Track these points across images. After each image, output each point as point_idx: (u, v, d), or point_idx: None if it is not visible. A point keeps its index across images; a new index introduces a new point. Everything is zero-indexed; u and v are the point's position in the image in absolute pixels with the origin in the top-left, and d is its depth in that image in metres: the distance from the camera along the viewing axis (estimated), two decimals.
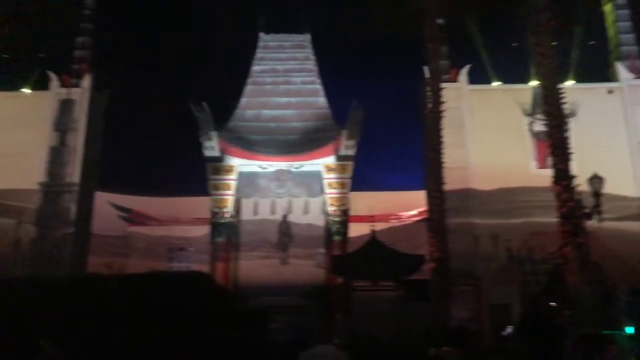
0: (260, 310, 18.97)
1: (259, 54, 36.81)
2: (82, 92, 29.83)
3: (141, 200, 38.58)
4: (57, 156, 28.54)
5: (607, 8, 31.13)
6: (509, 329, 19.12)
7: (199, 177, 34.56)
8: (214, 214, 32.34)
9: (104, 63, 32.29)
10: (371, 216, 32.28)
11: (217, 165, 32.59)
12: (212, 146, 32.08)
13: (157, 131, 48.63)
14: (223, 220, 32.22)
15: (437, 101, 25.56)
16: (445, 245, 23.72)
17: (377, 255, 25.13)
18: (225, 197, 32.58)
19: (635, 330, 14.11)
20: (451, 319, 21.90)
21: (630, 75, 29.13)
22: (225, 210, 32.35)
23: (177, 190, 39.57)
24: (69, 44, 31.01)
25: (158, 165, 50.14)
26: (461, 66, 29.66)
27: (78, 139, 29.06)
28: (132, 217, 37.45)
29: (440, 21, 27.44)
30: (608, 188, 19.68)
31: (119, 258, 34.88)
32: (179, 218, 37.64)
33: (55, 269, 25.71)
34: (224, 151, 32.63)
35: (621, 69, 29.29)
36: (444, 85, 26.68)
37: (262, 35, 37.43)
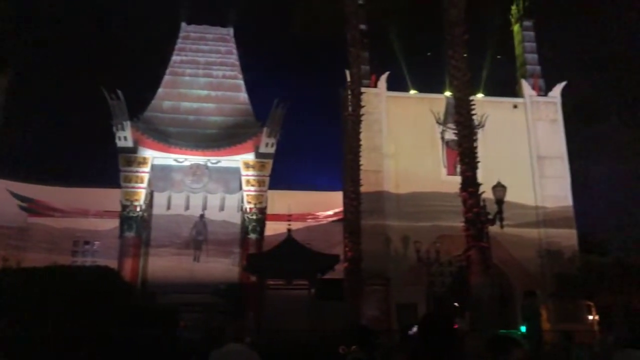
0: (168, 308, 18.42)
1: (180, 44, 35.72)
2: None
3: (44, 190, 36.03)
4: None
5: (516, 28, 33.37)
6: (415, 328, 20.00)
7: (109, 167, 33.01)
8: (125, 207, 30.97)
9: (6, 39, 29.82)
10: (288, 215, 32.39)
11: (130, 157, 31.26)
12: (125, 136, 30.73)
13: (66, 117, 45.77)
14: (134, 214, 30.94)
15: (357, 105, 26.17)
16: (359, 245, 24.32)
17: (292, 254, 25.26)
18: (137, 190, 31.32)
19: (527, 329, 15.21)
20: (362, 317, 22.44)
21: (533, 93, 31.38)
22: (136, 203, 31.10)
23: (85, 180, 37.38)
24: None
25: (65, 153, 47.19)
26: (381, 72, 30.51)
27: None
28: (33, 207, 34.88)
29: (363, 27, 28.08)
30: (509, 196, 21.05)
31: (16, 250, 32.38)
32: (86, 210, 35.57)
33: None
34: (137, 142, 31.36)
35: (525, 86, 31.48)
36: (364, 89, 27.36)
37: (183, 25, 36.35)
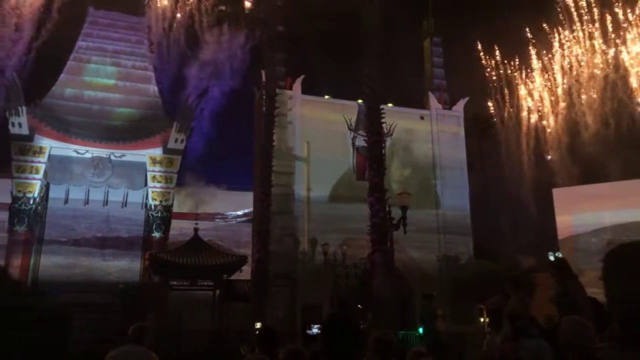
0: (60, 307, 17.30)
1: (87, 29, 33.62)
2: None
3: None
4: None
5: (426, 43, 35.13)
6: (315, 329, 20.28)
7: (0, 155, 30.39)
8: (16, 199, 28.62)
9: None
10: (196, 214, 31.65)
11: (25, 145, 28.99)
12: (20, 122, 28.47)
13: None
14: (26, 207, 28.68)
15: (271, 106, 26.19)
16: (267, 246, 24.31)
17: (198, 254, 24.71)
18: (32, 181, 29.07)
19: (424, 330, 15.97)
20: (267, 318, 22.41)
21: (438, 105, 33.18)
22: (29, 195, 28.85)
23: None
24: None
25: None
26: (297, 76, 30.77)
27: None
28: None
29: (280, 28, 28.18)
30: (414, 203, 22.02)
31: None
32: None
33: None
34: (34, 130, 29.15)
35: (432, 98, 33.21)
36: (278, 91, 27.44)
37: (91, 10, 34.21)
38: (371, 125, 21.60)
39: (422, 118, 32.86)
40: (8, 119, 28.30)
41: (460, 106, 33.72)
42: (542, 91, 37.38)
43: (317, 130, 29.77)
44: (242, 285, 25.58)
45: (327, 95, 31.83)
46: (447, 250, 30.12)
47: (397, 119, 28.70)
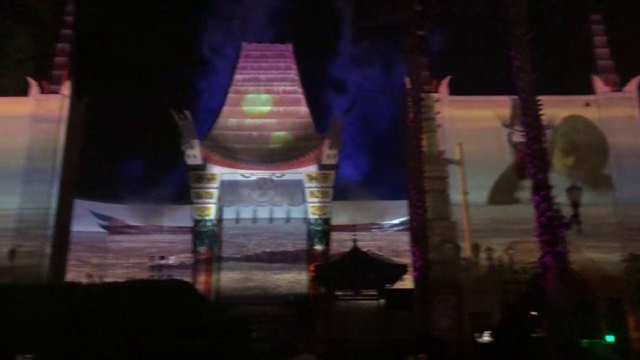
0: (240, 319, 18.85)
1: (242, 63, 36.83)
2: (62, 99, 29.42)
3: (121, 208, 38.06)
4: (36, 165, 28.02)
5: (585, 23, 31.83)
6: (485, 336, 19.27)
7: (180, 185, 34.38)
8: (196, 222, 32.13)
9: (84, 70, 31.90)
10: (353, 225, 32.37)
11: (200, 174, 32.44)
12: (194, 154, 31.96)
13: (138, 138, 48.19)
14: (205, 229, 32.03)
15: (418, 111, 25.86)
16: (426, 254, 23.89)
17: (359, 265, 25.11)
18: (208, 205, 32.41)
19: (615, 338, 14.29)
20: (432, 327, 21.96)
21: (606, 88, 29.79)
22: (207, 218, 32.18)
23: (158, 198, 39.10)
24: (49, 50, 30.60)
25: (138, 173, 49.65)
26: (442, 77, 30.03)
27: (58, 147, 28.58)
28: (112, 225, 36.89)
29: (421, 32, 27.81)
30: (584, 198, 19.97)
31: (98, 267, 34.34)
32: (160, 226, 37.18)
33: (33, 278, 25.14)
34: (206, 159, 32.51)
35: (597, 82, 29.94)
36: (424, 95, 27.00)
37: (244, 45, 37.48)
38: (528, 118, 20.18)
39: (587, 104, 29.75)
40: (184, 152, 31.91)
41: (633, 86, 29.90)
42: None
43: (469, 130, 28.67)
44: (405, 294, 25.37)
45: (475, 93, 30.50)
46: (634, 248, 26.58)
47: (557, 108, 26.45)
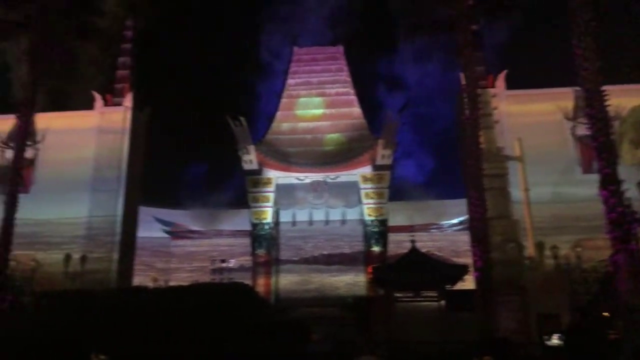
0: (300, 322, 18.98)
1: (293, 67, 37.24)
2: (124, 111, 30.71)
3: (182, 214, 39.35)
4: (102, 175, 29.38)
5: None
6: (554, 339, 18.45)
7: (238, 189, 35.12)
8: (254, 225, 32.72)
9: (144, 82, 33.22)
10: (410, 226, 31.97)
11: (256, 178, 33.03)
12: (250, 159, 32.57)
13: (197, 145, 49.70)
14: (263, 232, 32.56)
15: (474, 107, 25.15)
16: (488, 254, 23.20)
17: (418, 266, 24.75)
18: (265, 209, 32.93)
19: None
20: (496, 329, 21.30)
21: None
22: (264, 222, 32.70)
23: (217, 202, 40.18)
24: (111, 64, 32.08)
25: (198, 179, 51.21)
26: (498, 72, 29.18)
27: (122, 157, 29.84)
28: (174, 230, 38.20)
29: (475, 27, 27.11)
30: None
31: (163, 271, 35.65)
32: (220, 230, 38.17)
33: (102, 283, 26.38)
34: (261, 164, 33.06)
35: None
36: (480, 91, 26.26)
37: (295, 49, 37.88)
38: (593, 110, 19.19)
39: None
40: (241, 157, 32.58)
41: None
42: None
43: (528, 125, 27.70)
44: (466, 295, 24.76)
45: (535, 86, 29.41)
46: None
47: (624, 98, 25.02)
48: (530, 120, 27.79)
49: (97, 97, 30.97)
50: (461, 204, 30.02)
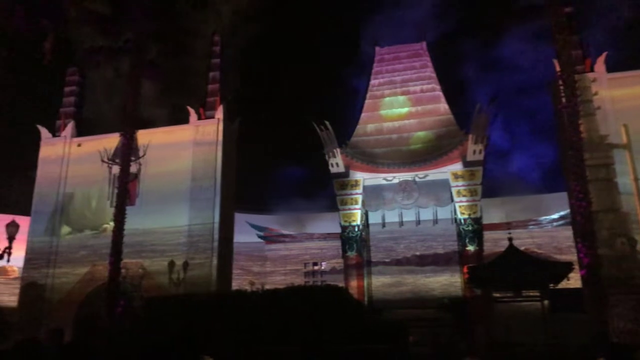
0: (398, 324, 18.75)
1: (376, 67, 37.04)
2: (216, 123, 32.11)
3: (274, 219, 40.53)
4: (199, 184, 30.96)
5: None
6: None
7: (327, 192, 35.53)
8: (344, 228, 32.88)
9: (233, 94, 34.59)
10: (507, 223, 30.64)
11: (343, 181, 33.19)
12: (337, 162, 32.81)
13: (284, 150, 50.99)
14: (353, 234, 32.64)
15: (572, 94, 23.63)
16: (595, 250, 21.66)
17: (518, 264, 23.62)
18: (353, 211, 33.00)
19: None
20: (610, 331, 19.82)
21: None
22: (354, 224, 32.77)
23: (307, 206, 40.95)
24: (202, 79, 33.75)
25: (287, 183, 52.51)
26: (597, 55, 27.22)
27: (216, 167, 31.25)
28: (267, 234, 39.40)
29: (569, 9, 25.53)
30: None
31: (259, 275, 36.91)
32: (311, 234, 38.83)
33: (204, 288, 27.76)
34: (348, 166, 33.17)
35: None
36: (577, 77, 24.65)
37: (377, 49, 37.68)
38: None
39: None
40: (327, 161, 32.93)
41: None
42: None
43: (634, 109, 25.61)
44: (573, 294, 23.28)
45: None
46: None
47: None
48: (636, 104, 25.68)
49: (192, 111, 32.66)
50: (561, 197, 28.33)
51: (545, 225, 33.03)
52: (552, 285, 23.55)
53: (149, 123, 31.95)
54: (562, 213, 31.11)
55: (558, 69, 24.97)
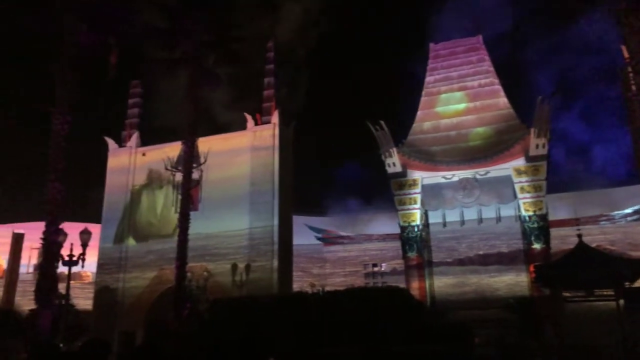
0: (462, 324, 18.35)
1: (431, 64, 36.41)
2: (273, 128, 32.58)
3: (331, 220, 40.66)
4: (258, 188, 31.54)
5: None
6: None
7: (385, 193, 35.22)
8: (403, 228, 32.47)
9: (288, 98, 35.04)
10: (576, 219, 29.27)
11: (400, 181, 32.80)
12: (393, 162, 32.46)
13: (341, 153, 51.10)
14: (412, 235, 32.18)
15: None
16: None
17: (589, 262, 22.54)
18: (412, 211, 32.53)
19: None
20: None
21: None
22: (413, 224, 32.31)
23: (365, 207, 40.79)
24: (258, 85, 34.39)
25: (344, 184, 52.57)
26: None
27: (274, 171, 31.72)
28: (325, 236, 39.57)
29: None
30: None
31: (319, 277, 37.12)
32: (370, 235, 38.64)
33: (265, 290, 28.21)
34: (405, 166, 32.74)
35: None
36: None
37: (432, 45, 37.05)
38: None
39: None
40: (384, 161, 32.65)
41: None
42: None
43: None
44: None
45: None
46: None
47: None
48: None
49: (248, 117, 33.33)
50: (635, 191, 26.80)
51: (619, 220, 31.29)
52: (627, 283, 22.32)
53: (212, 130, 32.88)
54: (636, 207, 29.41)
55: (626, 55, 23.60)
